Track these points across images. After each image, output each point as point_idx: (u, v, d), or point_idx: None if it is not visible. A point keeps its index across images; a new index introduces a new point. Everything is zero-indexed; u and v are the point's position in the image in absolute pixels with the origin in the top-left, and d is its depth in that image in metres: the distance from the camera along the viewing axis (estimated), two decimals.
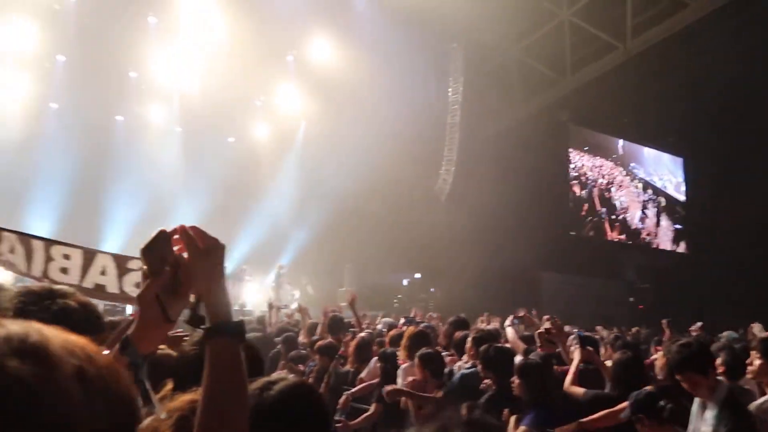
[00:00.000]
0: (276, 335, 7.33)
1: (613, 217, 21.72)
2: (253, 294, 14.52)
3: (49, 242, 2.90)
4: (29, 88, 16.46)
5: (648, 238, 22.66)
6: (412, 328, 5.70)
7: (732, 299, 17.48)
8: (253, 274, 15.88)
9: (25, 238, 2.90)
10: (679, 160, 23.91)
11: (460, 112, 17.29)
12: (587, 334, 5.61)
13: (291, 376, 1.70)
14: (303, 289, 15.39)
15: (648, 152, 23.19)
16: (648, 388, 3.35)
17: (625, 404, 3.39)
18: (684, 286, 20.02)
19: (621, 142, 22.41)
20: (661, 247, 23.00)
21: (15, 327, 0.61)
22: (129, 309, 6.07)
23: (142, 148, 18.04)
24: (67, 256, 2.88)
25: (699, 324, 7.99)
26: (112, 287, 2.93)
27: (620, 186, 22.24)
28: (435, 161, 17.87)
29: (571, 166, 20.83)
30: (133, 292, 2.95)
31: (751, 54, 15.94)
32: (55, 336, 0.62)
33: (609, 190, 21.87)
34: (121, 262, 2.97)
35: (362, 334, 6.85)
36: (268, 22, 14.88)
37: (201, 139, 17.89)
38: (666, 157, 23.75)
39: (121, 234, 16.80)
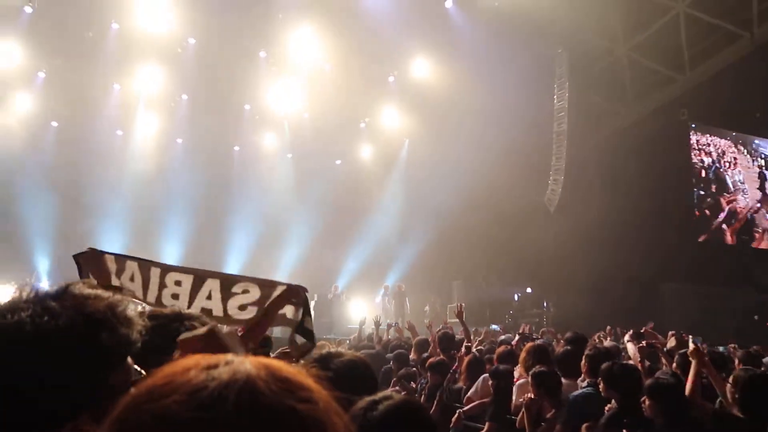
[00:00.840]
0: (388, 352, 7.37)
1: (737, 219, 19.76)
2: (362, 312, 14.84)
3: (165, 269, 3.10)
4: (158, 126, 18.12)
5: None
6: (531, 343, 5.51)
7: None
8: (355, 293, 16.37)
9: (146, 265, 3.11)
10: None
11: (567, 119, 16.65)
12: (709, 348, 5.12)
13: (398, 395, 1.69)
14: (432, 306, 15.49)
15: None
16: None
17: None
18: None
19: (755, 139, 20.41)
20: None
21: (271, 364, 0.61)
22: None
23: (258, 174, 19.16)
24: (178, 282, 3.06)
25: None
26: (218, 311, 3.08)
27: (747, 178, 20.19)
28: (542, 171, 17.32)
29: (694, 165, 19.24)
30: (237, 314, 3.08)
31: None
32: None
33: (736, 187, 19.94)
34: (226, 285, 3.12)
35: (474, 351, 6.74)
36: (368, 46, 15.34)
37: (311, 163, 18.71)
38: None
39: (242, 256, 17.88)
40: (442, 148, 16.36)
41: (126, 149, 17.83)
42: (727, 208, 19.54)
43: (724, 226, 19.40)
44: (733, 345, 6.71)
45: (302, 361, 2.74)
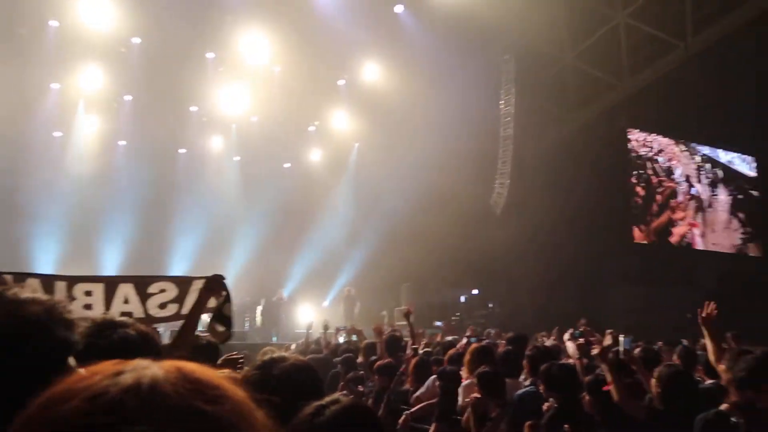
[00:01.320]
0: (335, 356, 7.35)
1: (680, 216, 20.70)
2: (310, 316, 14.75)
3: (72, 281, 3.01)
4: (100, 127, 17.52)
5: (718, 241, 21.44)
6: (475, 345, 5.62)
7: None
8: (304, 297, 16.28)
9: (49, 280, 3.01)
10: (750, 158, 22.59)
11: (513, 124, 17.06)
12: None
13: (345, 398, 1.68)
14: (390, 310, 15.44)
15: (711, 153, 22.03)
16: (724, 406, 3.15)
17: None
18: (759, 292, 18.78)
19: (686, 145, 21.42)
20: (733, 251, 21.69)
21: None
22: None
23: (204, 178, 18.79)
24: (89, 293, 2.99)
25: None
26: (138, 312, 3.03)
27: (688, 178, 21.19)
28: (490, 175, 17.67)
29: (632, 169, 20.04)
30: (158, 313, 3.04)
31: None
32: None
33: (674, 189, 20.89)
34: (141, 287, 3.08)
35: (421, 353, 6.79)
36: (318, 49, 15.30)
37: (259, 166, 18.48)
38: (736, 157, 22.50)
39: (187, 261, 17.47)
40: (392, 152, 16.49)
41: (65, 151, 17.17)
42: (662, 211, 20.42)
43: (662, 226, 20.26)
44: (660, 343, 6.97)
45: (246, 368, 2.71)
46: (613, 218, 18.73)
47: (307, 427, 1.48)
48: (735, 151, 22.41)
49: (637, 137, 20.37)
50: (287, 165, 19.42)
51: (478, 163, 16.66)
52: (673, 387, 3.53)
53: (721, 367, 4.11)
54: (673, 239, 20.35)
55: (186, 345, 2.62)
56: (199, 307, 2.89)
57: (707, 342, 4.38)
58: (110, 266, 16.59)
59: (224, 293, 2.98)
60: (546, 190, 15.76)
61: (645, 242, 19.63)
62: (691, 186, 21.36)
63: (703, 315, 4.15)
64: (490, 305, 16.03)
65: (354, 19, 14.45)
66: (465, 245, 15.32)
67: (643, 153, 20.47)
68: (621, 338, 4.46)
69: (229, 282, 3.03)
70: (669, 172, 21.06)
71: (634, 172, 20.01)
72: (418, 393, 5.18)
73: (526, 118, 17.15)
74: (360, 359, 6.80)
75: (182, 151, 19.20)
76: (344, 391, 5.83)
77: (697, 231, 20.96)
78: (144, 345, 1.86)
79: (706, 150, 21.88)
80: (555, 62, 17.54)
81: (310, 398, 1.64)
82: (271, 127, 17.37)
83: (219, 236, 17.95)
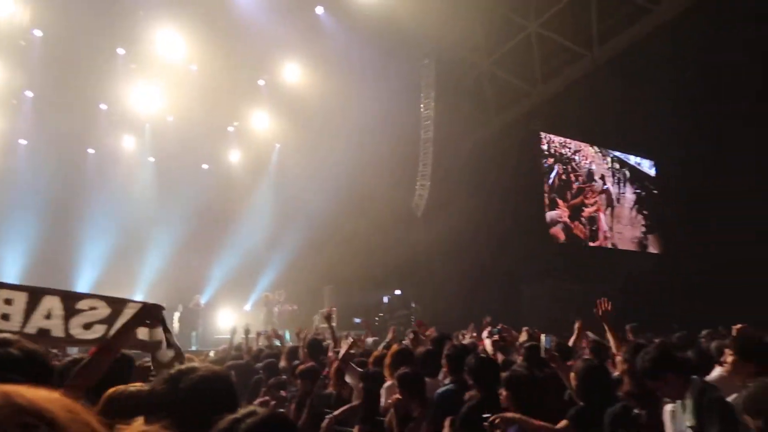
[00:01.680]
0: (257, 362, 7.20)
1: (588, 220, 21.88)
2: (230, 321, 14.38)
3: None
4: None
5: (623, 240, 22.86)
6: (395, 347, 5.67)
7: (708, 298, 17.74)
8: (224, 302, 15.87)
9: None
10: (651, 163, 24.25)
11: (434, 127, 17.40)
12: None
13: (261, 410, 1.63)
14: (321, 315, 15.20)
15: (617, 156, 23.46)
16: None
17: (564, 423, 3.39)
18: (659, 288, 20.17)
19: (593, 149, 22.68)
20: (636, 249, 23.20)
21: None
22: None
23: (115, 179, 17.87)
24: (8, 301, 2.70)
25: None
26: (57, 331, 2.76)
27: (595, 179, 22.45)
28: (411, 178, 17.93)
29: (544, 171, 20.99)
30: (80, 334, 2.80)
31: (718, 54, 16.33)
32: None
33: (583, 189, 22.05)
34: (70, 303, 2.81)
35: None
36: (237, 48, 14.93)
37: (175, 167, 17.78)
38: (638, 159, 24.07)
39: (96, 268, 16.55)
40: (313, 154, 16.37)
41: None
42: (576, 210, 21.50)
43: (574, 225, 21.32)
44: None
45: (149, 382, 2.53)
46: (531, 218, 19.52)
47: None
48: (637, 155, 23.97)
49: (551, 141, 21.36)
50: (205, 166, 18.83)
51: (399, 166, 16.86)
52: (588, 381, 3.70)
53: (619, 358, 4.40)
54: (583, 234, 21.45)
55: (97, 372, 2.38)
56: (125, 335, 2.59)
57: (609, 335, 4.69)
58: (11, 272, 15.42)
59: (161, 326, 2.72)
60: (466, 192, 16.18)
61: (562, 241, 20.60)
62: (603, 183, 22.71)
63: (601, 311, 4.45)
64: (413, 305, 16.25)
65: (274, 19, 14.23)
66: (388, 246, 15.45)
67: (559, 153, 21.50)
68: (543, 337, 4.66)
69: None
70: (583, 171, 22.26)
71: (548, 168, 20.96)
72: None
73: (446, 121, 17.53)
74: (282, 364, 6.69)
75: (91, 151, 18.17)
76: (267, 397, 5.73)
77: (604, 222, 22.23)
78: (28, 364, 1.79)
79: (614, 152, 23.28)
80: (473, 68, 18.06)
81: (224, 411, 1.59)
82: (187, 127, 16.76)
83: (132, 240, 17.12)
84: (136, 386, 2.33)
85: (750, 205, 17.89)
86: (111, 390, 2.25)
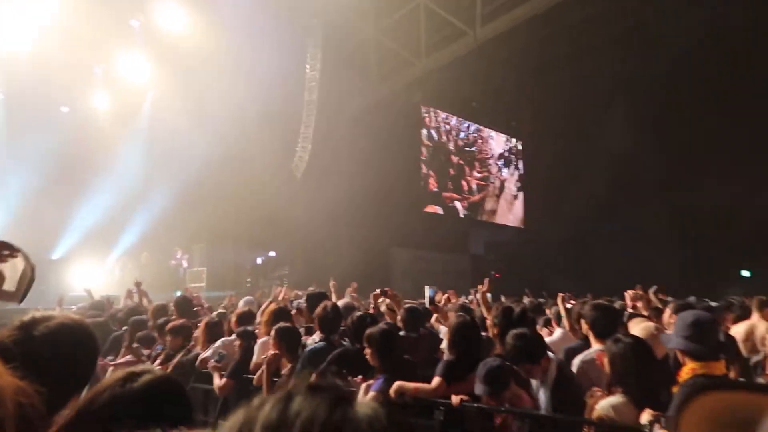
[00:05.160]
0: (117, 320, 6.93)
1: (460, 194, 23.03)
2: (90, 277, 13.46)
3: None
4: None
5: (491, 214, 24.38)
6: (273, 305, 5.72)
7: (563, 270, 19.62)
8: (84, 256, 14.78)
9: None
10: (521, 142, 25.94)
11: (318, 89, 17.20)
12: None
13: (158, 370, 1.59)
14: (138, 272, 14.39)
15: (491, 133, 24.82)
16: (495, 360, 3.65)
17: (437, 381, 3.70)
18: (525, 259, 21.94)
19: (469, 124, 23.76)
20: (503, 222, 24.90)
21: None
22: None
23: None
24: None
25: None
26: None
27: (472, 160, 23.62)
28: (293, 139, 17.68)
29: (423, 143, 21.69)
30: None
31: (592, 44, 17.69)
32: None
33: (461, 166, 23.12)
34: None
35: (213, 314, 6.69)
36: None
37: (29, 107, 16.00)
38: (505, 139, 25.61)
39: None
40: (191, 106, 15.48)
41: None
42: (452, 187, 22.48)
43: (449, 198, 22.32)
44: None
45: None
46: (407, 188, 20.15)
47: (118, 392, 1.39)
48: (510, 134, 25.50)
49: (432, 114, 22.03)
50: (65, 109, 17.15)
51: (281, 126, 16.54)
52: (459, 335, 4.00)
53: (489, 323, 4.85)
54: (458, 206, 22.55)
55: None
56: None
57: (483, 306, 5.20)
58: None
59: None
60: (346, 157, 16.28)
61: (434, 212, 21.52)
62: (481, 159, 23.90)
63: (483, 290, 4.98)
64: (287, 268, 16.24)
65: None
66: (263, 207, 15.21)
67: (437, 127, 22.23)
68: (426, 288, 5.04)
69: None
70: (462, 146, 23.25)
71: (426, 146, 21.66)
72: (203, 355, 5.12)
73: (331, 85, 17.41)
74: (150, 322, 6.47)
75: None
76: (129, 356, 5.51)
77: (479, 196, 23.51)
78: None
79: (490, 130, 24.55)
80: (360, 33, 18.00)
81: (85, 360, 1.53)
82: (45, 64, 15.08)
83: None
84: None
85: (600, 186, 19.86)
86: None
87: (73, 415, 1.31)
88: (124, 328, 6.32)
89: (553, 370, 3.56)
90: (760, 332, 5.08)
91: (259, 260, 16.79)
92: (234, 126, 14.55)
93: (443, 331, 5.13)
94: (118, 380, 1.43)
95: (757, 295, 5.92)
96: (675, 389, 2.89)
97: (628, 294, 4.90)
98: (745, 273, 20.16)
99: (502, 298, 9.34)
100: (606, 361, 3.15)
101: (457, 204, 22.84)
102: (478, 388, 3.50)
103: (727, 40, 16.09)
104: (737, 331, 5.47)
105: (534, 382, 3.66)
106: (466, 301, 8.60)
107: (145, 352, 5.67)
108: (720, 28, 15.92)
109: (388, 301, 5.66)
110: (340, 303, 6.04)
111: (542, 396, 3.56)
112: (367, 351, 4.01)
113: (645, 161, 20.50)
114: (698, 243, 20.08)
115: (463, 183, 23.29)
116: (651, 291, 5.97)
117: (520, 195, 25.68)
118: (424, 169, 21.63)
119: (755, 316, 5.55)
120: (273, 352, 4.25)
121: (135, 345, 5.75)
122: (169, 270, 14.82)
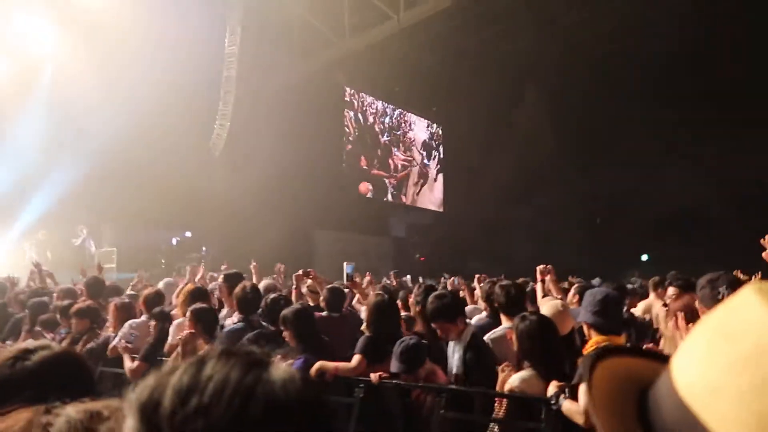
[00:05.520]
0: (17, 303, 6.53)
1: (385, 174, 23.22)
2: None
3: None
4: None
5: (413, 198, 24.77)
6: (190, 285, 5.65)
7: (481, 253, 20.36)
8: None
9: None
10: (440, 127, 26.40)
11: (237, 65, 16.64)
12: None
13: (55, 345, 1.52)
14: (42, 251, 13.47)
15: (414, 118, 25.10)
16: (410, 338, 3.76)
17: (357, 358, 3.79)
18: (445, 242, 22.52)
19: (391, 108, 23.89)
20: (424, 206, 25.37)
21: None
22: None
23: None
24: None
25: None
26: None
27: (395, 144, 23.81)
28: (211, 116, 17.07)
29: (346, 125, 21.63)
30: None
31: (509, 31, 18.20)
32: None
33: (384, 147, 23.25)
34: None
35: (123, 296, 6.44)
36: None
37: None
38: (427, 124, 26.01)
39: None
40: (100, 76, 14.47)
41: None
42: (373, 167, 22.59)
43: (378, 176, 22.45)
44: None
45: None
46: (328, 169, 20.06)
47: (7, 372, 1.31)
48: (430, 119, 25.90)
49: (355, 95, 21.98)
50: None
51: (198, 102, 15.92)
52: (377, 313, 4.08)
53: (411, 300, 5.03)
54: (381, 190, 22.73)
55: None
56: None
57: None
58: None
59: None
60: (267, 136, 15.95)
61: (365, 195, 21.61)
62: (404, 143, 24.15)
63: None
64: (204, 249, 15.77)
65: None
66: (179, 185, 14.65)
67: (364, 110, 22.24)
68: (345, 264, 5.14)
69: None
70: (390, 128, 23.39)
71: (349, 127, 21.63)
72: (114, 343, 4.92)
73: (252, 61, 16.90)
74: (55, 302, 6.15)
75: None
76: (29, 340, 5.21)
77: (401, 179, 23.81)
78: None
79: (412, 114, 24.81)
80: (283, 8, 17.53)
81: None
82: None
83: None
84: None
85: (514, 171, 20.67)
86: None
87: None
88: (27, 312, 5.95)
89: (468, 332, 3.73)
90: (656, 310, 5.51)
91: (174, 241, 16.19)
92: (147, 100, 13.82)
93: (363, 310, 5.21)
94: (7, 359, 1.36)
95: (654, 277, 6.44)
96: (580, 362, 3.09)
97: (538, 268, 5.24)
98: (645, 257, 21.72)
99: (421, 279, 9.59)
100: (514, 337, 3.32)
101: (386, 181, 23.03)
102: (394, 366, 3.60)
103: (637, 30, 17.01)
104: (637, 309, 5.95)
105: (451, 345, 3.82)
106: (387, 282, 8.80)
107: (48, 336, 5.38)
108: (630, 17, 16.79)
109: (309, 282, 5.68)
110: (261, 284, 5.99)
111: (456, 356, 3.72)
112: (285, 333, 4.03)
113: (555, 147, 21.51)
114: (603, 228, 21.41)
115: (390, 162, 23.47)
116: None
117: (440, 179, 26.22)
118: (351, 148, 21.61)
119: (652, 296, 6.03)
120: (189, 331, 4.16)
121: (37, 329, 5.45)
122: (73, 250, 13.92)
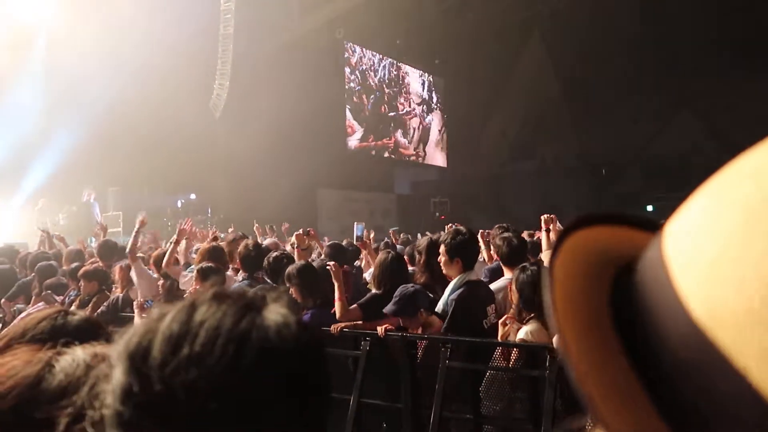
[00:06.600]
0: (25, 267, 6.60)
1: (386, 133, 23.00)
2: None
3: None
4: None
5: (417, 154, 24.57)
6: (205, 245, 5.67)
7: (484, 208, 20.38)
8: None
9: None
10: (441, 81, 25.94)
11: (234, 23, 16.26)
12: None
13: (81, 312, 1.59)
14: (54, 216, 13.46)
15: (414, 73, 24.63)
16: (410, 286, 3.78)
17: (354, 306, 3.84)
18: (449, 198, 22.46)
19: (393, 62, 23.43)
20: (428, 162, 25.19)
21: None
22: None
23: None
24: None
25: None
26: None
27: (397, 99, 23.50)
28: (210, 76, 16.80)
29: (348, 83, 21.28)
30: None
31: None
32: None
33: (386, 102, 22.95)
34: None
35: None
36: None
37: None
38: (428, 80, 25.54)
39: None
40: (98, 39, 14.18)
41: None
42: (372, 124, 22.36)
43: (377, 137, 22.26)
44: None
45: None
46: (331, 127, 19.87)
47: (59, 323, 1.36)
48: (433, 73, 25.43)
49: (356, 51, 21.55)
50: None
51: (197, 62, 15.66)
52: (386, 270, 4.10)
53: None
54: (386, 147, 22.56)
55: None
56: None
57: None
58: None
59: None
60: (267, 96, 15.73)
61: (366, 147, 21.42)
62: (408, 97, 23.85)
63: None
64: (209, 210, 15.80)
65: None
66: (182, 147, 14.57)
67: (362, 66, 21.85)
68: (355, 225, 5.14)
69: None
70: (390, 83, 23.04)
71: (351, 84, 21.30)
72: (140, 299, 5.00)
73: (251, 18, 16.53)
74: (64, 266, 6.22)
75: None
76: (41, 303, 5.27)
77: (407, 135, 23.62)
78: None
79: (415, 69, 24.35)
80: None
81: None
82: None
83: None
84: None
85: (519, 130, 20.46)
86: None
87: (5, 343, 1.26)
88: (33, 274, 6.02)
89: (466, 276, 3.75)
90: None
91: (179, 203, 16.20)
92: (149, 61, 13.62)
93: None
94: (53, 314, 1.40)
95: None
96: None
97: (543, 217, 5.23)
98: (650, 208, 21.62)
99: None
100: (513, 288, 3.34)
101: (389, 144, 22.84)
102: (388, 308, 3.65)
103: None
104: None
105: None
106: (388, 240, 8.87)
107: (58, 298, 5.45)
108: None
109: (292, 240, 5.70)
110: (265, 243, 6.03)
111: (446, 291, 3.77)
112: (291, 289, 4.06)
113: (559, 101, 21.20)
114: (608, 180, 21.26)
115: (391, 121, 23.21)
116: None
117: (443, 135, 25.94)
118: (355, 102, 21.31)
119: None
120: (197, 287, 4.22)
121: (46, 292, 5.51)
122: (78, 214, 13.91)
